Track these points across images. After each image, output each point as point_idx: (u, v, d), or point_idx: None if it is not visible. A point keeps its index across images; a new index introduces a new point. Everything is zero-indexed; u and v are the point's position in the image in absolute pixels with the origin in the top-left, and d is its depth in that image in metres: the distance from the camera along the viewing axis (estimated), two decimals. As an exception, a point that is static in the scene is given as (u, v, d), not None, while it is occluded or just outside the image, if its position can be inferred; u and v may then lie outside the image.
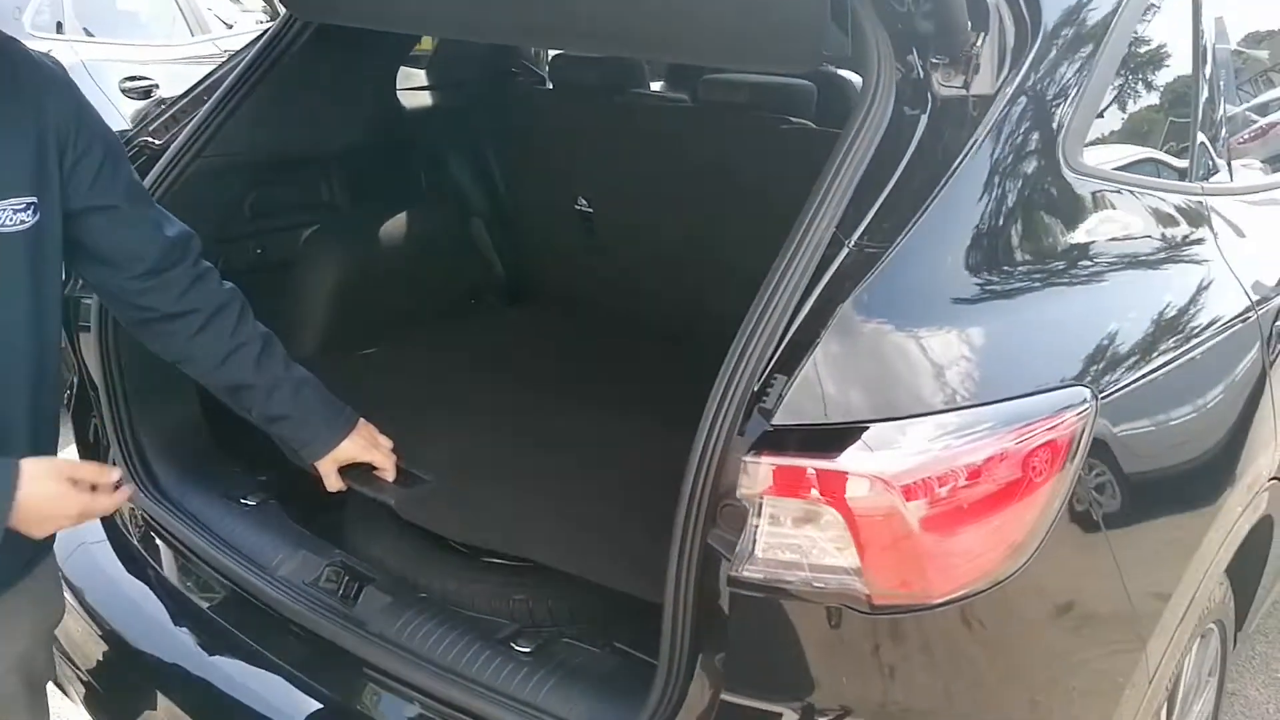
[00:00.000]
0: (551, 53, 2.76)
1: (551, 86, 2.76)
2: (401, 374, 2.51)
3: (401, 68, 2.64)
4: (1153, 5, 1.82)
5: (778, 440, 1.30)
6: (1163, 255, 1.73)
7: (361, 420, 1.94)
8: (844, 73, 2.80)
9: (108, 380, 2.19)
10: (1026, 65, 1.57)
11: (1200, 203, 1.88)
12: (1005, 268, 1.49)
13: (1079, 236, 1.60)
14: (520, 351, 2.68)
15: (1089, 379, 1.45)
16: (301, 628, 1.86)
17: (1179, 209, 1.82)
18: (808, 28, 1.50)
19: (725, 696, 1.40)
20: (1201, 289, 1.77)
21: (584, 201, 2.73)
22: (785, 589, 1.32)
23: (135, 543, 2.22)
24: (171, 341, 1.78)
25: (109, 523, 2.27)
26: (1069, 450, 1.39)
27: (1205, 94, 1.97)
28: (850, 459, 1.27)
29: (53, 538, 1.65)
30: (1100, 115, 1.70)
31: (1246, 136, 2.20)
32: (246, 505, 2.14)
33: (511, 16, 1.88)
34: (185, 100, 2.30)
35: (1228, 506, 1.76)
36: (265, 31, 2.35)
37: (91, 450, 2.31)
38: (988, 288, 1.46)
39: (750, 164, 2.31)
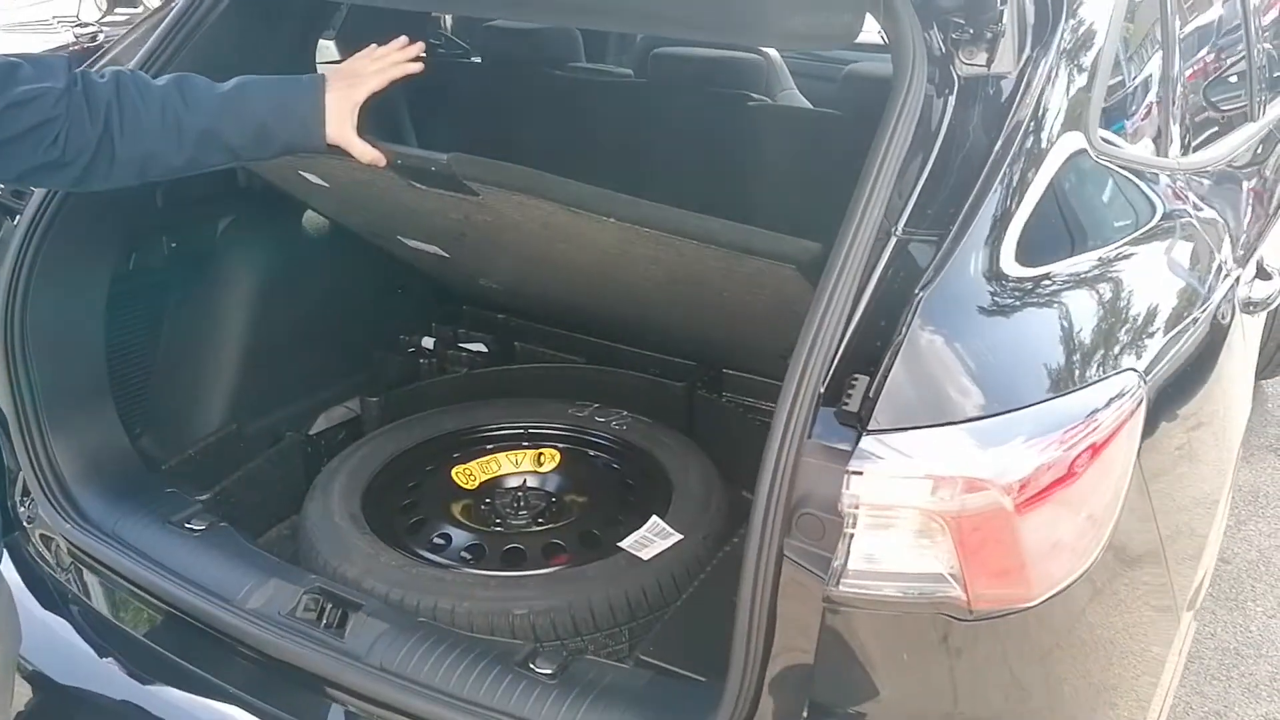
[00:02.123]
0: (482, 23, 2.59)
1: (479, 60, 2.59)
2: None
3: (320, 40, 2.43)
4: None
5: (873, 445, 1.23)
6: (1167, 231, 1.75)
7: (330, 70, 1.74)
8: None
9: (16, 403, 1.95)
10: (1055, 42, 1.54)
11: (1182, 178, 1.91)
12: (1055, 253, 1.47)
13: (1110, 217, 1.59)
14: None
15: (1139, 361, 1.44)
16: (287, 664, 1.69)
17: (1169, 185, 1.85)
18: (850, 3, 1.42)
19: (807, 715, 1.33)
20: (1195, 260, 1.79)
21: (516, 180, 2.58)
22: (879, 600, 1.26)
23: (59, 578, 1.99)
24: (125, 162, 1.56)
25: (19, 559, 2.04)
26: (1133, 431, 1.38)
27: (1175, 71, 2.00)
28: (951, 461, 1.22)
29: None
30: (1108, 93, 1.69)
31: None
32: (193, 530, 1.93)
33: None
34: (117, 50, 2.05)
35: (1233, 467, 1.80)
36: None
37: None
38: (1042, 275, 1.43)
39: (712, 140, 2.23)
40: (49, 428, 1.98)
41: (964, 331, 1.30)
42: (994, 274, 1.37)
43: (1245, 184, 2.33)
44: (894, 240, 1.39)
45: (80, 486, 2.00)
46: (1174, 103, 1.99)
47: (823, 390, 1.30)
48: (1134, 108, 1.85)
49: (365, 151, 1.72)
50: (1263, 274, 2.06)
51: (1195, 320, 1.68)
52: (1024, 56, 1.55)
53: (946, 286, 1.31)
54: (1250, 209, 2.26)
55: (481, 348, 2.63)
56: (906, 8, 1.47)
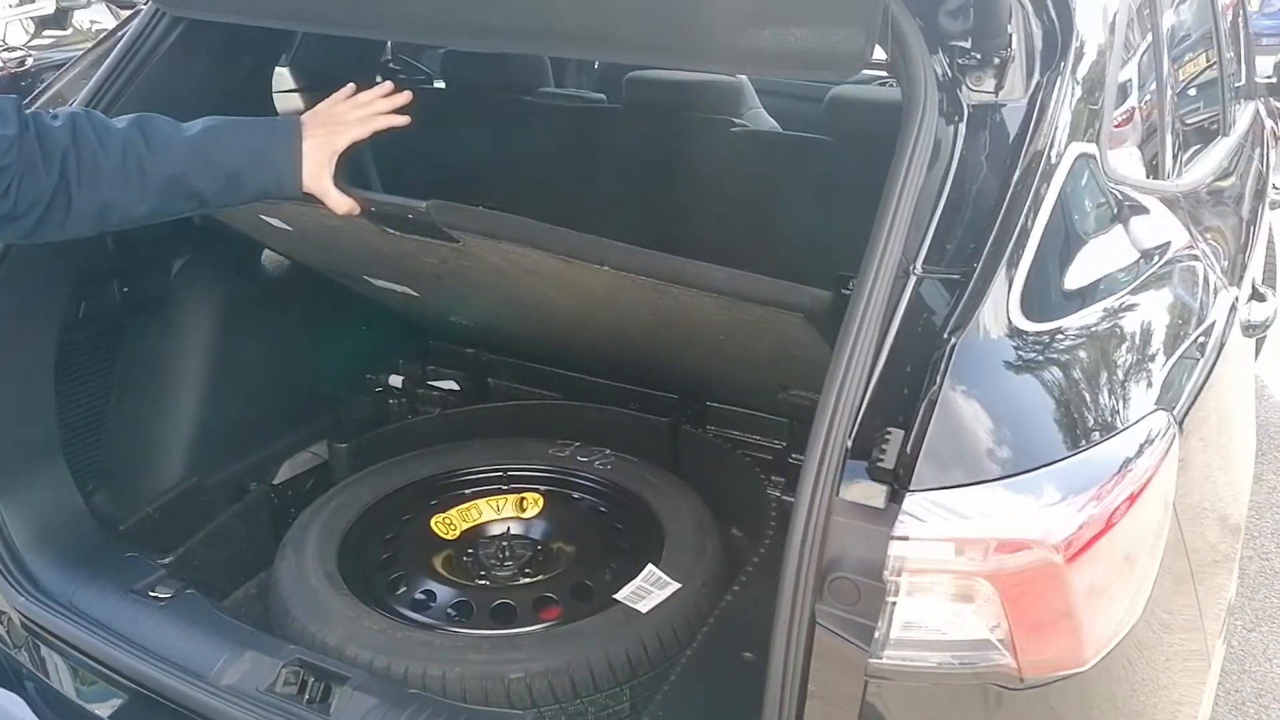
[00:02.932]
0: (441, 49, 2.48)
1: (443, 85, 2.49)
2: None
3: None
4: (1128, 15, 1.79)
5: (917, 507, 1.15)
6: (1181, 263, 1.70)
7: (307, 115, 1.64)
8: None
9: None
10: (1066, 69, 1.49)
11: (1179, 201, 1.87)
12: (1078, 291, 1.40)
13: (1126, 251, 1.53)
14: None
15: (1167, 400, 1.39)
16: None
17: (1174, 212, 1.80)
18: (861, 32, 1.35)
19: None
20: (1203, 287, 1.75)
21: (483, 208, 2.48)
22: (924, 672, 1.18)
23: (14, 656, 1.85)
24: (81, 212, 1.45)
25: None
26: (1169, 470, 1.32)
27: (1169, 95, 1.96)
28: (1001, 522, 1.14)
29: None
30: (1118, 124, 1.64)
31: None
32: (159, 598, 1.80)
33: (474, 14, 1.63)
34: (68, 77, 1.92)
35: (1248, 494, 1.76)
36: (126, 27, 1.99)
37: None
38: (1072, 313, 1.37)
39: (697, 166, 2.15)
40: None
41: (999, 381, 1.23)
42: (1021, 315, 1.30)
43: (1227, 203, 2.31)
44: (913, 279, 1.32)
45: (33, 554, 1.86)
46: (1169, 125, 1.96)
47: (849, 444, 1.22)
48: (1138, 131, 1.81)
49: (341, 202, 1.62)
50: (1257, 296, 2.03)
51: (1209, 349, 1.63)
52: (1033, 83, 1.50)
53: (977, 333, 1.24)
54: (1235, 230, 2.23)
55: (453, 385, 2.52)
56: (915, 34, 1.41)
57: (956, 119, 1.45)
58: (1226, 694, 2.72)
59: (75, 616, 1.77)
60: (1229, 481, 1.68)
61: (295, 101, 2.43)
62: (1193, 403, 1.49)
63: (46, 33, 5.97)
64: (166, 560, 1.92)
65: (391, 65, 2.67)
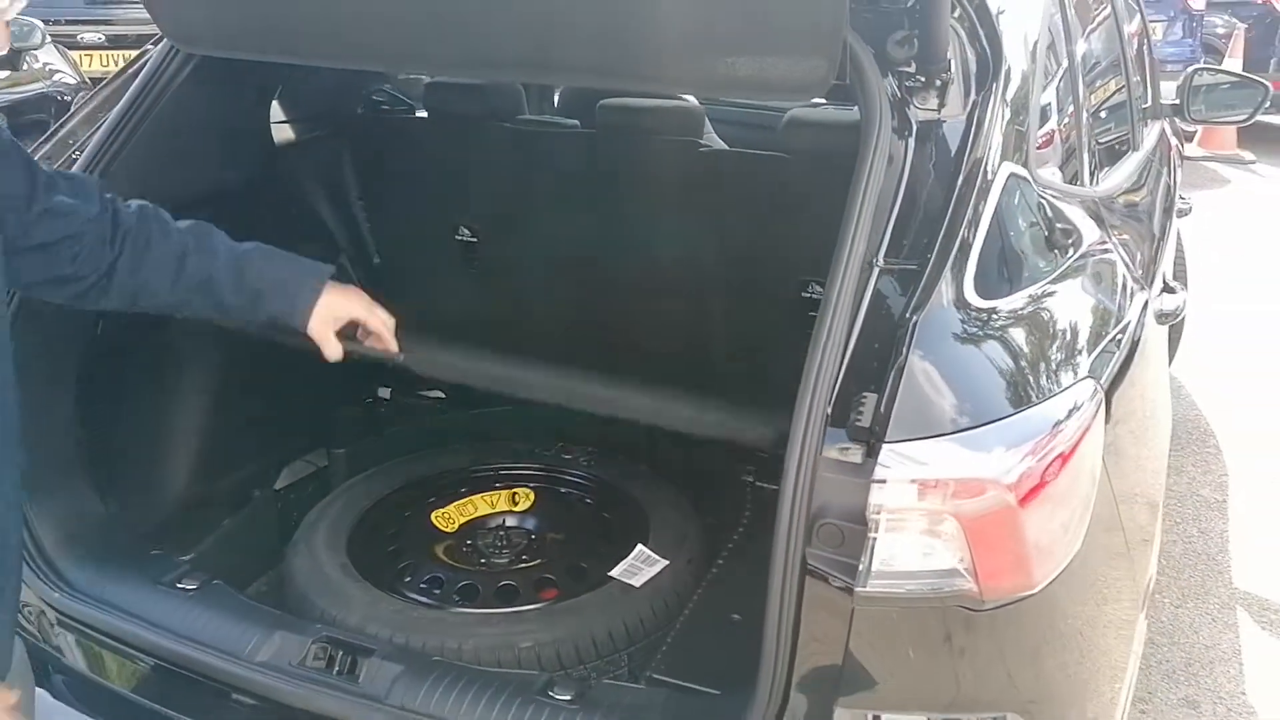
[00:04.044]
0: (425, 79, 2.66)
1: (426, 114, 2.67)
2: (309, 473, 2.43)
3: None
4: (1051, 28, 2.04)
5: (886, 456, 1.36)
6: (1098, 254, 1.94)
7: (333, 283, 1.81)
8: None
9: None
10: (997, 89, 1.72)
11: (1098, 204, 2.12)
12: (1013, 277, 1.63)
13: (1052, 243, 1.77)
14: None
15: (1093, 368, 1.62)
16: (308, 713, 1.72)
17: (1091, 212, 2.05)
18: (825, 59, 1.57)
19: (838, 708, 1.44)
20: (1120, 278, 1.99)
21: (466, 231, 2.67)
22: (901, 598, 1.38)
23: (45, 649, 1.97)
24: (120, 287, 1.63)
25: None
26: (1099, 428, 1.54)
27: (1084, 113, 2.22)
28: (958, 466, 1.35)
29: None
30: (1040, 136, 1.88)
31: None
32: (187, 589, 1.94)
33: (473, 47, 1.83)
34: (75, 121, 2.07)
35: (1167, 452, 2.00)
36: (144, 62, 2.14)
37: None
38: (1010, 297, 1.59)
39: (661, 186, 2.35)
40: (26, 498, 1.96)
41: (953, 351, 1.45)
42: (967, 296, 1.52)
43: (1138, 208, 2.57)
44: (876, 270, 1.53)
45: (62, 555, 1.98)
46: (1083, 136, 2.21)
47: (829, 411, 1.43)
48: (1058, 142, 2.05)
49: (334, 352, 1.80)
50: (1168, 289, 2.28)
51: (1127, 332, 1.86)
52: (970, 101, 1.73)
53: (934, 312, 1.46)
54: (1146, 230, 2.49)
55: (440, 394, 2.68)
56: (870, 62, 1.63)
57: (906, 133, 1.67)
58: (1159, 664, 2.96)
59: (110, 608, 1.90)
60: (1148, 454, 1.92)
61: (285, 131, 2.59)
62: (1115, 375, 1.72)
63: (-2, 74, 6.02)
64: (188, 556, 2.05)
65: (375, 97, 2.85)
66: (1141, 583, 1.86)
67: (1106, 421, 1.60)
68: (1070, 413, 1.49)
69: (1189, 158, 8.40)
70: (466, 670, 1.75)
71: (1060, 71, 2.11)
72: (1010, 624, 1.42)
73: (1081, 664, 1.56)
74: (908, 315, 1.46)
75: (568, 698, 1.68)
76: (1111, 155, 2.54)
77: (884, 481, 1.34)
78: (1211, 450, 4.17)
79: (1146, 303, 2.06)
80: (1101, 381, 1.61)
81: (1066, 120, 2.11)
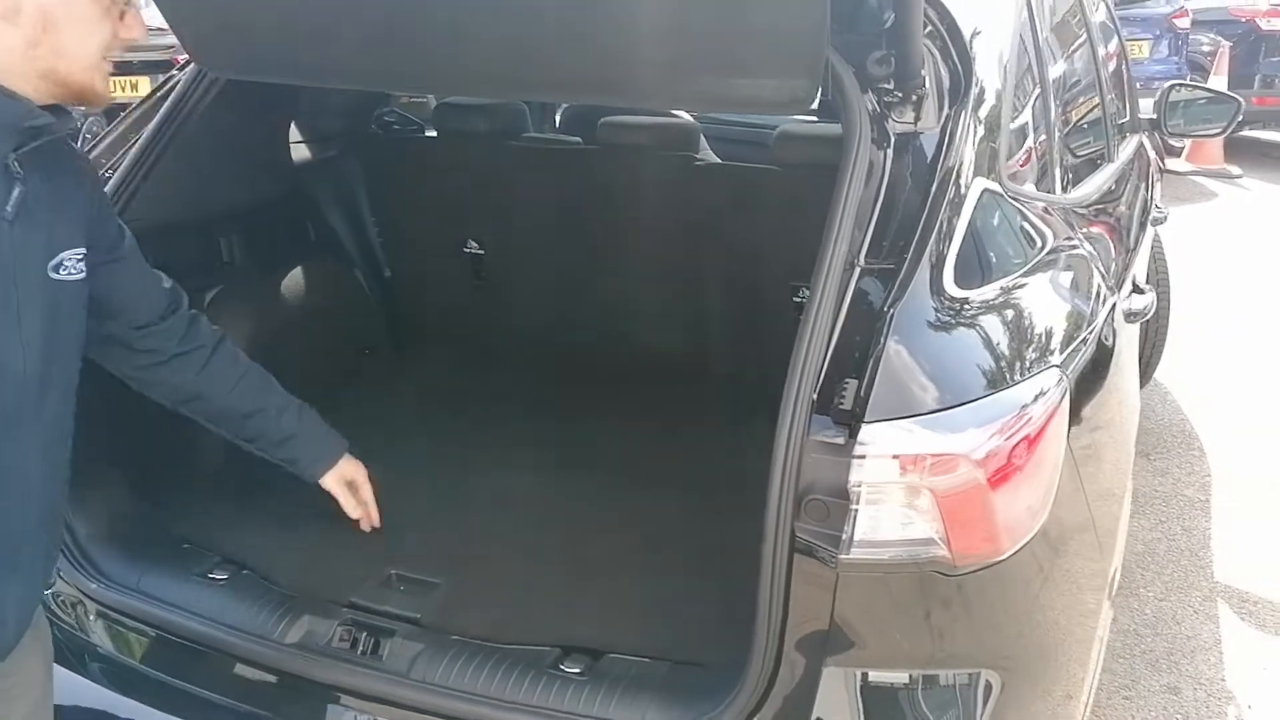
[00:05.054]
0: (434, 99, 2.81)
1: (435, 133, 2.81)
2: None
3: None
4: (1023, 46, 2.18)
5: (865, 435, 1.49)
6: (1065, 254, 2.08)
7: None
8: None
9: None
10: (968, 102, 1.87)
11: (1069, 211, 2.26)
12: (985, 275, 1.77)
13: (1022, 244, 1.91)
14: (432, 412, 2.75)
15: (1058, 357, 1.75)
16: (334, 689, 1.85)
17: (1061, 218, 2.19)
18: (808, 77, 1.71)
19: (827, 667, 1.57)
20: (1088, 278, 2.13)
21: (474, 244, 2.81)
22: (881, 564, 1.51)
23: (81, 637, 2.09)
24: (182, 379, 1.89)
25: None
26: (1063, 412, 1.68)
27: (1054, 119, 2.36)
28: (930, 443, 1.49)
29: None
30: (1010, 145, 2.02)
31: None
32: (218, 579, 2.07)
33: (470, 68, 1.96)
34: (103, 146, 2.21)
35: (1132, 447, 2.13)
36: (174, 83, 2.29)
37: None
38: (977, 292, 1.73)
39: (658, 198, 2.49)
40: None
41: (926, 341, 1.59)
42: (939, 291, 1.66)
43: (1112, 216, 2.71)
44: (858, 270, 1.67)
45: (98, 548, 2.10)
46: (1054, 147, 2.35)
47: (815, 397, 1.56)
48: (1027, 152, 2.19)
49: (350, 508, 2.14)
50: (1137, 290, 2.42)
51: (1094, 328, 2.00)
52: (943, 114, 1.87)
53: (910, 304, 1.60)
54: (1118, 236, 2.63)
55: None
56: (850, 79, 1.77)
57: (885, 145, 1.81)
58: (1143, 654, 3.09)
59: (147, 597, 2.02)
60: (1114, 445, 2.04)
61: (302, 150, 2.73)
62: (1081, 365, 1.85)
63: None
64: (217, 551, 2.17)
65: (386, 118, 2.99)
66: (1107, 570, 1.98)
67: (1072, 408, 1.74)
68: (1036, 397, 1.62)
69: (1177, 172, 8.59)
70: (482, 647, 1.87)
71: (1032, 87, 2.25)
72: (981, 588, 1.55)
73: (1049, 630, 1.69)
74: (885, 309, 1.59)
75: (577, 670, 1.82)
76: (1086, 166, 2.68)
77: (863, 458, 1.47)
78: (1196, 452, 4.30)
79: (1115, 302, 2.20)
80: (1067, 370, 1.75)
81: (1038, 132, 2.25)
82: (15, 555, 1.47)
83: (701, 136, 3.22)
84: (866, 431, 1.49)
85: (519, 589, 2.07)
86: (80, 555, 2.09)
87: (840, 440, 1.52)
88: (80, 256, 1.49)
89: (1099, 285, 2.12)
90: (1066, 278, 1.97)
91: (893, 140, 1.82)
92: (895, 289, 1.62)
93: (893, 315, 1.57)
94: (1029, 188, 2.13)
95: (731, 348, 2.52)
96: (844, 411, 1.52)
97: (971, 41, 1.96)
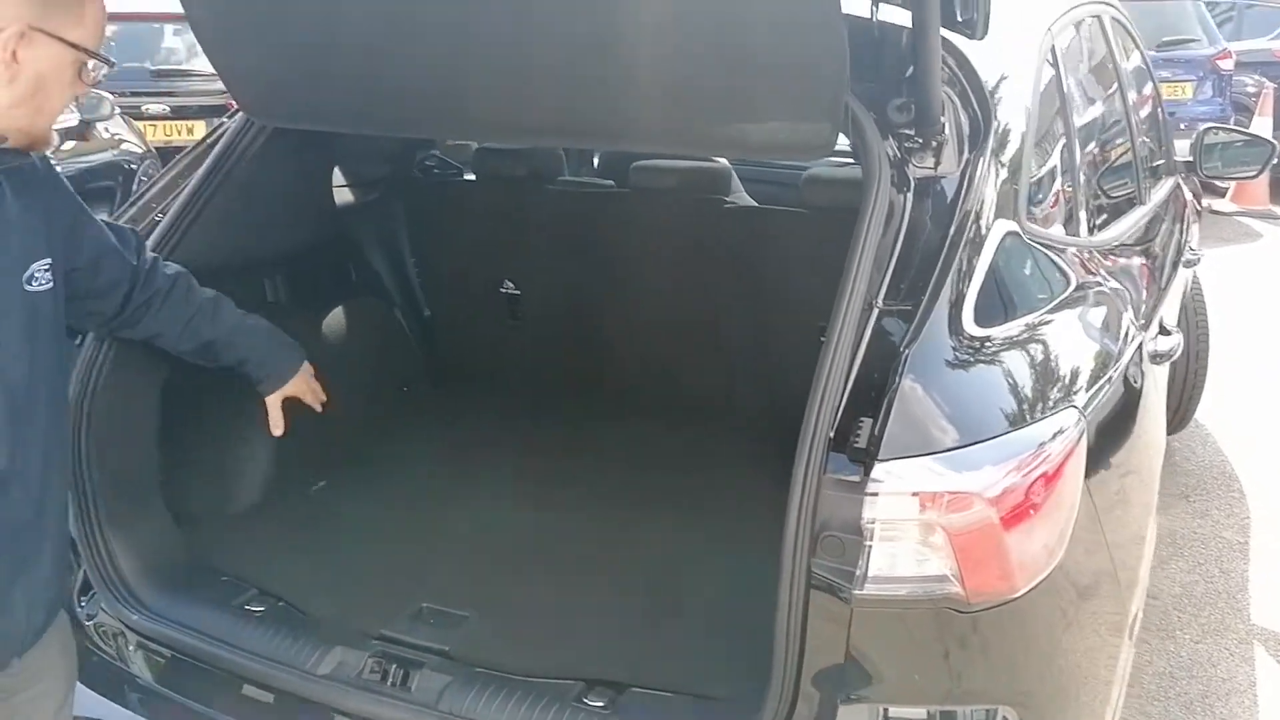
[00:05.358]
0: (474, 145, 2.90)
1: (474, 177, 2.90)
2: (362, 505, 2.60)
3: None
4: (1045, 94, 2.22)
5: (880, 473, 1.53)
6: (1087, 295, 2.10)
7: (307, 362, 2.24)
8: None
9: (78, 502, 2.13)
10: (987, 148, 1.91)
11: (1092, 253, 2.29)
12: (1002, 316, 1.80)
13: (1041, 286, 1.94)
14: (468, 449, 2.82)
15: (1077, 398, 1.77)
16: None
17: (1084, 260, 2.21)
18: (827, 124, 1.77)
19: (844, 704, 1.59)
20: (1111, 320, 2.14)
21: (510, 284, 2.88)
22: (895, 600, 1.54)
23: (120, 666, 2.16)
24: (141, 328, 2.02)
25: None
26: (1080, 454, 1.70)
27: (1078, 163, 2.39)
28: (943, 481, 1.52)
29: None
30: (1032, 189, 2.06)
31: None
32: (255, 611, 2.13)
33: (508, 116, 2.04)
34: (156, 189, 2.30)
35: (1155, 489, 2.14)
36: (223, 131, 2.39)
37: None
38: (997, 332, 1.76)
39: (689, 240, 2.55)
40: (109, 530, 2.16)
41: (943, 380, 1.62)
42: (957, 332, 1.69)
43: (1141, 258, 2.73)
44: (876, 310, 1.71)
45: (141, 581, 2.16)
46: (1079, 190, 2.38)
47: (831, 435, 1.60)
48: (1050, 195, 2.23)
49: (276, 420, 2.24)
50: (1164, 331, 2.43)
51: (1117, 369, 2.02)
52: (963, 159, 1.92)
53: (926, 344, 1.63)
54: (1146, 278, 2.65)
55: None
56: (870, 125, 1.82)
57: (905, 189, 1.85)
58: (1178, 696, 3.05)
59: (186, 629, 2.08)
60: (1136, 487, 2.05)
61: (345, 194, 2.83)
62: (1102, 405, 1.87)
63: (67, 144, 6.37)
64: (253, 586, 2.23)
65: (426, 162, 3.08)
66: (1128, 611, 1.98)
67: (1092, 447, 1.76)
68: (1053, 436, 1.65)
69: (1222, 212, 8.52)
70: (508, 680, 1.91)
71: (1057, 132, 2.29)
72: (997, 625, 1.57)
73: (1069, 669, 1.70)
74: (902, 349, 1.63)
75: (601, 704, 1.85)
76: (1115, 209, 2.70)
77: (876, 495, 1.51)
78: (1236, 494, 4.25)
79: (1141, 343, 2.22)
80: (1086, 410, 1.77)
81: (1062, 176, 2.29)
82: (20, 552, 1.56)
83: (736, 179, 3.30)
84: (880, 469, 1.52)
85: (546, 623, 2.11)
86: (122, 587, 2.15)
87: (855, 478, 1.55)
88: (47, 267, 1.58)
89: (1122, 326, 2.14)
90: (1087, 318, 2.00)
91: (913, 184, 1.86)
92: (912, 329, 1.66)
93: (908, 355, 1.60)
94: (1052, 230, 2.16)
95: (759, 386, 2.55)
96: (859, 449, 1.56)
97: (992, 88, 2.00)
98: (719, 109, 1.83)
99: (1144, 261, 2.73)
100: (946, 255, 1.77)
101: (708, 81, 1.83)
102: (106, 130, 6.71)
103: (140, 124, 7.49)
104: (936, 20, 1.71)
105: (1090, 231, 2.39)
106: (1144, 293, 2.51)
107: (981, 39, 1.85)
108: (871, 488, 1.51)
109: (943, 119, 1.89)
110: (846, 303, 1.69)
